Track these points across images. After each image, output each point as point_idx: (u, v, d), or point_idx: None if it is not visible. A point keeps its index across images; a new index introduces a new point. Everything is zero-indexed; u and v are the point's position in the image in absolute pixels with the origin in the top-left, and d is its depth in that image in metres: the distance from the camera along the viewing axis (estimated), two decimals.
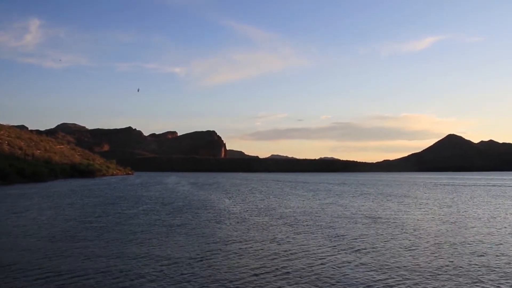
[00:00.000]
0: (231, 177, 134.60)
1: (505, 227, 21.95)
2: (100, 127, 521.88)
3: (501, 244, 17.23)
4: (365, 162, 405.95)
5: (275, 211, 29.33)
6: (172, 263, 13.51)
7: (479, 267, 13.21)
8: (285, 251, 15.51)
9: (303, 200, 39.76)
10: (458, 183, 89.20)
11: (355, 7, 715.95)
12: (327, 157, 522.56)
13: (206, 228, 21.05)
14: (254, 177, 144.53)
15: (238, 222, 23.42)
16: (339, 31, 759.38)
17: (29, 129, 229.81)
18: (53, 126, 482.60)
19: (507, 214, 28.15)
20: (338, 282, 11.56)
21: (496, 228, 21.55)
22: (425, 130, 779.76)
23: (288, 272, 12.45)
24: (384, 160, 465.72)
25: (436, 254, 15.09)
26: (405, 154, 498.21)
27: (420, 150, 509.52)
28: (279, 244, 16.81)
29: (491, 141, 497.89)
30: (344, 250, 15.83)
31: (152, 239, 17.89)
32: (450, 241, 17.69)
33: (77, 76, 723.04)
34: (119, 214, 27.33)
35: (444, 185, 78.86)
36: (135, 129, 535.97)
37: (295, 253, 15.19)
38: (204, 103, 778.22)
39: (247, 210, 29.98)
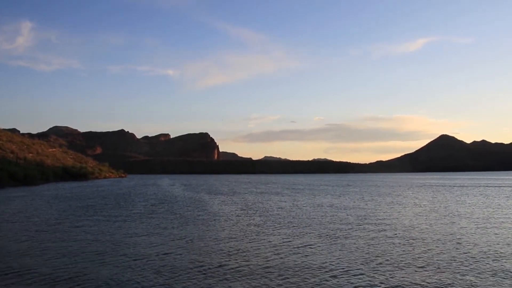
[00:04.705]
0: (224, 179, 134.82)
1: (479, 224, 22.64)
2: (92, 130, 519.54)
3: (468, 240, 17.88)
4: (358, 163, 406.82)
5: (260, 211, 29.89)
6: (139, 258, 13.97)
7: (443, 260, 13.80)
8: (255, 247, 16.07)
9: (289, 201, 40.26)
10: (447, 183, 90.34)
11: (346, 9, 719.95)
12: (320, 159, 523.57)
13: (187, 228, 21.52)
14: (247, 179, 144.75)
15: (218, 221, 23.90)
16: (331, 33, 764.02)
17: (21, 132, 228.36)
18: (45, 129, 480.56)
19: (485, 212, 28.82)
20: (300, 276, 12.08)
21: (470, 225, 22.21)
22: (418, 130, 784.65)
23: (255, 267, 12.95)
24: (377, 161, 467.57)
25: (402, 247, 15.67)
26: (398, 155, 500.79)
27: (413, 151, 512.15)
28: (250, 241, 17.33)
29: (483, 141, 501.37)
30: (312, 245, 16.36)
31: (127, 238, 18.38)
32: (421, 237, 18.32)
33: (69, 79, 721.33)
34: (101, 215, 27.70)
35: (429, 185, 79.83)
36: (127, 131, 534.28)
37: (268, 249, 15.72)
38: (197, 105, 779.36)
39: (232, 211, 30.52)
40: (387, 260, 13.78)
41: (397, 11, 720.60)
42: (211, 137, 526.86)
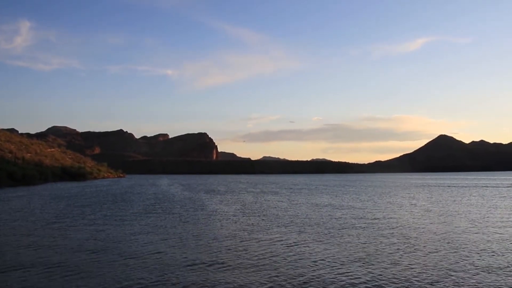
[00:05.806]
0: (222, 179, 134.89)
1: (475, 224, 22.89)
2: (91, 130, 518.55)
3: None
4: (357, 163, 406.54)
5: (257, 211, 30.08)
6: (135, 257, 14.14)
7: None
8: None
9: (286, 201, 40.48)
10: (445, 183, 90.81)
11: (346, 9, 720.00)
12: (319, 159, 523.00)
13: (184, 227, 21.64)
14: (245, 179, 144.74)
15: (216, 221, 24.02)
16: (330, 33, 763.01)
17: (20, 132, 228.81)
18: (43, 129, 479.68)
19: (482, 212, 29.10)
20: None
21: (467, 225, 22.47)
22: (416, 130, 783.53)
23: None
24: (376, 161, 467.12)
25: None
26: (397, 155, 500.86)
27: (412, 151, 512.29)
28: (246, 240, 17.49)
29: (482, 141, 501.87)
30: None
31: (124, 237, 18.52)
32: (418, 237, 18.55)
33: (68, 78, 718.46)
34: (99, 214, 27.84)
35: (427, 185, 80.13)
36: (126, 131, 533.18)
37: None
38: (196, 105, 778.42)
39: (229, 210, 30.68)
40: (383, 259, 13.90)
41: (397, 11, 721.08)
42: (210, 137, 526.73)
